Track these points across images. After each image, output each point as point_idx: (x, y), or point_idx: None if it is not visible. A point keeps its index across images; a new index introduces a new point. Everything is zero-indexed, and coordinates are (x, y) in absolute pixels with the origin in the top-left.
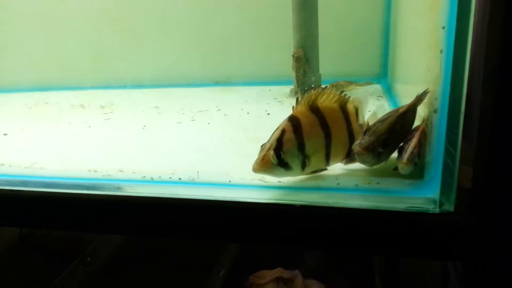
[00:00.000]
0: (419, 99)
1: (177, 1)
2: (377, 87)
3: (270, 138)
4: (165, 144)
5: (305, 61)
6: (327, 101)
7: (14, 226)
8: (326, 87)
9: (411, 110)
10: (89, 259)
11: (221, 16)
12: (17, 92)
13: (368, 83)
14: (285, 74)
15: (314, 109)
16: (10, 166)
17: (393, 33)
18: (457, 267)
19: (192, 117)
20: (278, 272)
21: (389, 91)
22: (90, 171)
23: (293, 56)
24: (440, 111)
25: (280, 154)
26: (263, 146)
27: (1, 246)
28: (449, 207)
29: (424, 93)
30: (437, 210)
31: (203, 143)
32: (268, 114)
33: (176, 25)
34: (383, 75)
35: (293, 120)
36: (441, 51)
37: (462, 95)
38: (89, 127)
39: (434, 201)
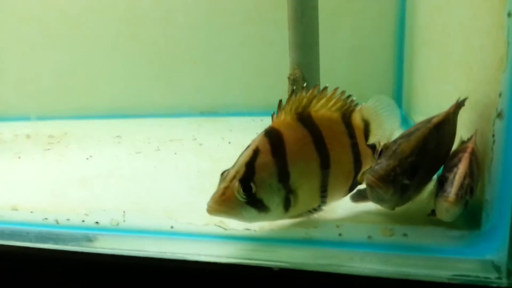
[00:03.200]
0: (459, 105)
1: (155, 21)
2: None
3: (237, 161)
4: (101, 178)
5: (303, 83)
6: (324, 108)
7: None
8: (325, 87)
9: (450, 120)
10: None
11: (208, 39)
12: None
13: None
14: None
15: (304, 119)
16: None
17: (408, 56)
18: None
19: (158, 147)
20: None
21: (405, 123)
22: None
23: (288, 78)
24: (508, 113)
25: (251, 187)
26: (225, 173)
27: None
28: None
29: (463, 101)
30: (504, 282)
31: (155, 176)
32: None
33: (159, 50)
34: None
35: (272, 134)
36: (509, 14)
37: None
38: (19, 158)
39: (497, 267)
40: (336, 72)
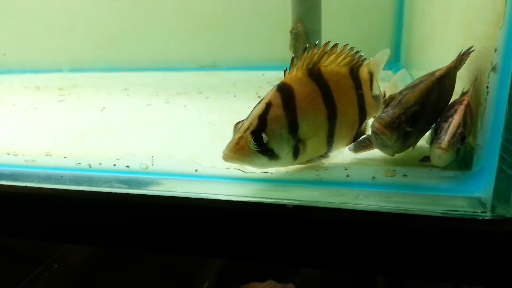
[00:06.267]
0: (460, 59)
1: None
2: (388, 73)
3: (250, 114)
4: (122, 126)
5: (305, 38)
6: (333, 63)
7: None
8: (335, 45)
9: (450, 74)
10: (56, 265)
11: None
12: None
13: None
14: (281, 58)
15: (314, 74)
16: None
17: (408, 14)
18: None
19: (166, 100)
20: (269, 285)
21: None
22: (9, 154)
23: (291, 32)
24: (501, 68)
25: (262, 137)
26: (239, 125)
27: None
28: (506, 211)
29: (467, 52)
30: (488, 215)
31: (172, 126)
32: (259, 97)
33: (161, 6)
34: (394, 60)
35: (283, 89)
36: None
37: None
38: (35, 109)
39: (483, 203)
40: (337, 27)
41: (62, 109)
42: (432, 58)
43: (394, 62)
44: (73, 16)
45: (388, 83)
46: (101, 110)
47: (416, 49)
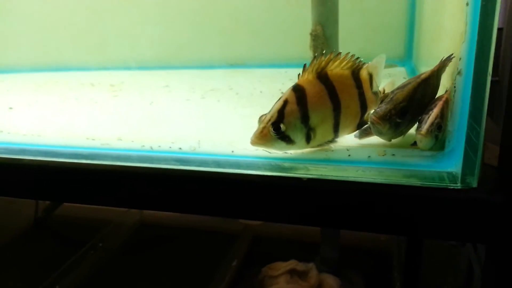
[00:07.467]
0: (442, 64)
1: None
2: (401, 70)
3: (271, 109)
4: (170, 118)
5: (323, 39)
6: (338, 68)
7: (9, 196)
8: (339, 53)
9: (434, 76)
10: (101, 244)
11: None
12: (30, 72)
13: (391, 65)
14: (303, 56)
15: (322, 77)
16: (8, 133)
17: (419, 12)
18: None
19: (202, 95)
20: (292, 264)
21: (414, 74)
22: (88, 139)
23: (310, 34)
24: (464, 72)
25: (280, 127)
26: (262, 117)
27: (16, 230)
28: (472, 181)
29: (449, 58)
30: (458, 185)
31: (210, 118)
32: (282, 92)
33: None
34: (407, 57)
35: (297, 89)
36: (467, 4)
37: (490, 54)
38: (96, 102)
39: (455, 176)
40: (354, 32)
41: (119, 103)
42: (433, 59)
43: (407, 60)
44: (109, 20)
45: (387, 82)
46: (150, 104)
47: (423, 53)
